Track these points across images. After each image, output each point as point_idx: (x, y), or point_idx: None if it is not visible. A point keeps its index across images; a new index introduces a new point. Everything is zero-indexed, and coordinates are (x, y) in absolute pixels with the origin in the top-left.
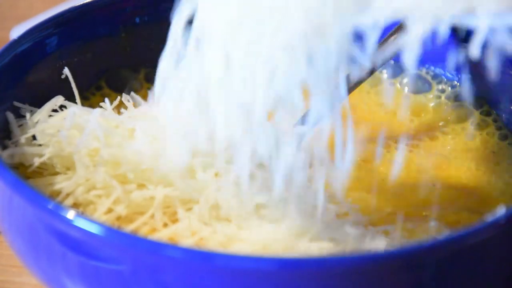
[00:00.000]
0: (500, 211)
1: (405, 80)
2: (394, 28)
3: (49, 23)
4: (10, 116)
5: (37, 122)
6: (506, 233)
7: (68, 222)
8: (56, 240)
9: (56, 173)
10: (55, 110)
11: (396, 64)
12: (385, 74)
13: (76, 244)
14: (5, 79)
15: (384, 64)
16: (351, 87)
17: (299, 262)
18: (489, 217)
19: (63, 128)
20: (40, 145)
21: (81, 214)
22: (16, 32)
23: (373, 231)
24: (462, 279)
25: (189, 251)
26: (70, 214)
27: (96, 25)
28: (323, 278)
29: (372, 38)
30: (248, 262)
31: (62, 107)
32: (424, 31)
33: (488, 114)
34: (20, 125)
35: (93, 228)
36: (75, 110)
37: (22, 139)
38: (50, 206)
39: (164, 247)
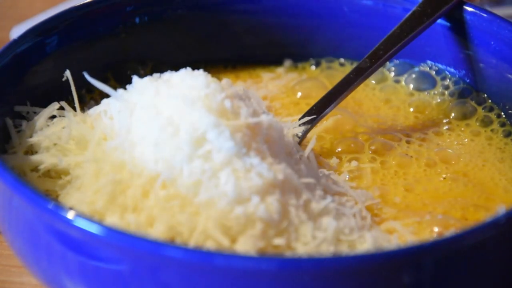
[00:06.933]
0: (500, 211)
1: (410, 77)
2: (399, 24)
3: (49, 23)
4: (9, 122)
5: (35, 129)
6: (506, 233)
7: (68, 222)
8: (56, 240)
9: (50, 176)
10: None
11: (401, 62)
12: (392, 72)
13: (76, 244)
14: (5, 79)
15: (387, 61)
16: (356, 83)
17: (299, 262)
18: (489, 217)
19: (60, 140)
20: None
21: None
22: (16, 32)
23: (377, 229)
24: (462, 279)
25: (189, 251)
26: (70, 214)
27: (96, 25)
28: (322, 278)
29: None
30: (248, 262)
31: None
32: None
33: (490, 109)
34: (19, 131)
35: (93, 228)
36: (72, 121)
37: (20, 151)
38: (50, 206)
39: (164, 247)
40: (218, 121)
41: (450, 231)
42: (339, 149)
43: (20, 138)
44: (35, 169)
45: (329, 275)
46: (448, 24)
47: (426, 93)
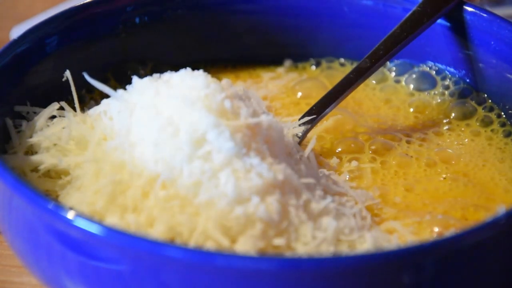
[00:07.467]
0: (500, 211)
1: (410, 78)
2: (399, 24)
3: (49, 23)
4: (9, 122)
5: (35, 129)
6: (506, 233)
7: (68, 222)
8: (56, 240)
9: (50, 176)
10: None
11: (401, 62)
12: (393, 72)
13: (76, 244)
14: (5, 79)
15: (387, 61)
16: (356, 83)
17: (299, 262)
18: (489, 217)
19: (60, 140)
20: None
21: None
22: (16, 32)
23: (377, 229)
24: (462, 279)
25: (189, 251)
26: (70, 214)
27: (96, 25)
28: (322, 278)
29: None
30: (248, 262)
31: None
32: None
33: (491, 109)
34: (19, 131)
35: (93, 228)
36: (72, 122)
37: (20, 151)
38: (50, 206)
39: (164, 247)
40: (218, 122)
41: (450, 231)
42: (339, 149)
43: (20, 138)
44: (35, 169)
45: (329, 275)
46: (448, 24)
47: (426, 93)
